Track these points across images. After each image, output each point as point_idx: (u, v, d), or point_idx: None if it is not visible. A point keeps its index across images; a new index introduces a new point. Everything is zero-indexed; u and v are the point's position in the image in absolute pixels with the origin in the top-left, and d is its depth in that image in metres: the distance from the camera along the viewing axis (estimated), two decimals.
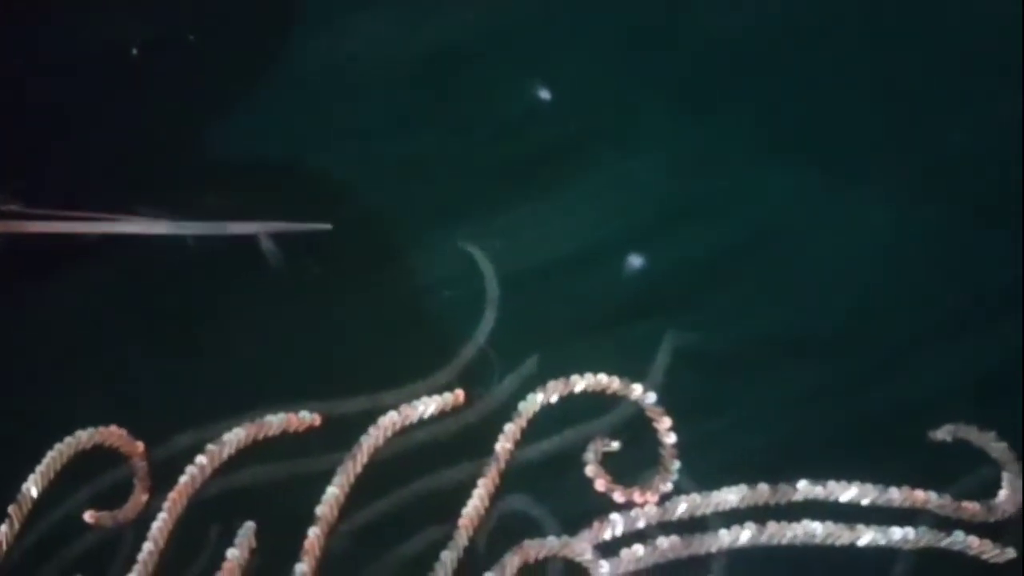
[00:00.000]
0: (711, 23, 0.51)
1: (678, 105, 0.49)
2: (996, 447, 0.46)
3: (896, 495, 0.45)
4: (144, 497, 0.43)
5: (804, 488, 0.45)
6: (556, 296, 0.47)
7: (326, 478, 0.43)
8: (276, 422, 0.44)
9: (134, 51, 0.49)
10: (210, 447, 0.43)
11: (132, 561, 0.42)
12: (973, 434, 0.46)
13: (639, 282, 0.47)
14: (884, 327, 0.47)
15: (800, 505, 0.45)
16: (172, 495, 0.43)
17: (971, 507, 0.45)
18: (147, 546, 0.42)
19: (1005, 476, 0.46)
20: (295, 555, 0.42)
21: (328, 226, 0.46)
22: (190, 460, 0.43)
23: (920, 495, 0.45)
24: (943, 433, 0.46)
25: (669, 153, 0.49)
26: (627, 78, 0.50)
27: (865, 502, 0.45)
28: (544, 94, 0.50)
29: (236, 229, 0.46)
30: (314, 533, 0.43)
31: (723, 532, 0.44)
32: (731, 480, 0.45)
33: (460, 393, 0.45)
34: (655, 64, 0.50)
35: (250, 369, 0.45)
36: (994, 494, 0.45)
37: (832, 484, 0.45)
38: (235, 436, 0.43)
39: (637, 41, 0.50)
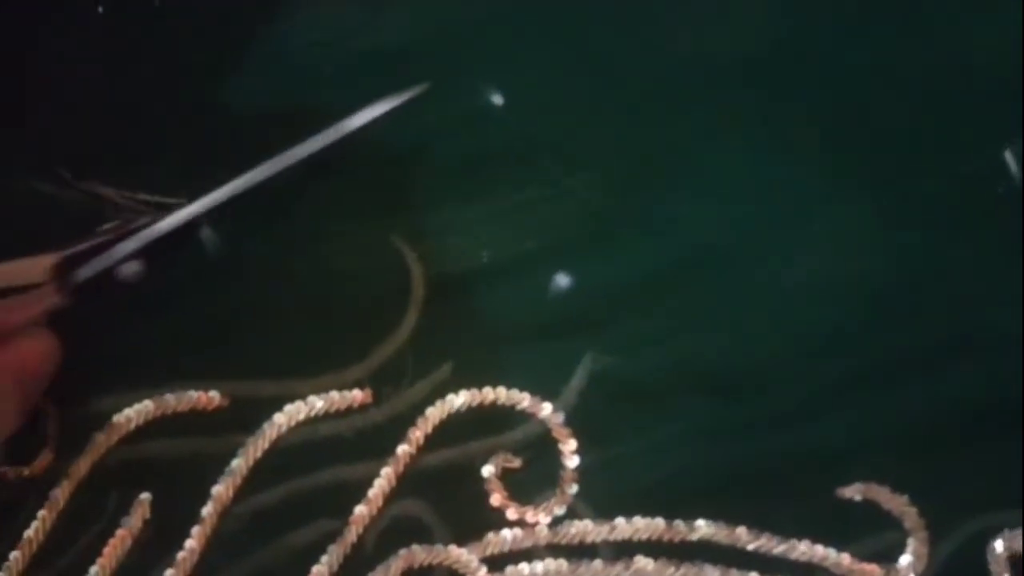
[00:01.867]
0: (669, 44, 0.51)
1: (626, 125, 0.50)
2: (907, 511, 0.46)
3: (797, 547, 0.46)
4: (50, 457, 0.45)
5: (702, 528, 0.46)
6: (479, 304, 0.48)
7: (227, 459, 0.45)
8: (185, 398, 0.46)
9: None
10: (117, 417, 0.45)
11: (32, 519, 0.44)
12: (884, 495, 0.46)
13: (564, 300, 0.48)
14: (807, 371, 0.48)
15: (695, 545, 0.46)
16: (78, 460, 0.45)
17: (870, 569, 0.46)
18: (47, 506, 0.44)
19: (911, 542, 0.46)
20: (186, 531, 0.44)
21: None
22: (100, 427, 0.45)
23: (820, 550, 0.46)
24: (852, 491, 0.47)
25: (610, 173, 0.49)
26: (579, 94, 0.50)
27: (764, 550, 0.46)
28: (497, 99, 0.50)
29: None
30: (207, 511, 0.45)
31: (612, 562, 0.45)
32: (628, 511, 0.46)
33: (368, 392, 0.47)
34: (608, 82, 0.50)
35: (169, 343, 0.46)
36: (896, 559, 0.46)
37: (731, 527, 0.46)
38: (144, 408, 0.46)
39: (595, 58, 0.51)
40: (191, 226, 0.46)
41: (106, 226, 0.46)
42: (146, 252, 0.45)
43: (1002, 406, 0.47)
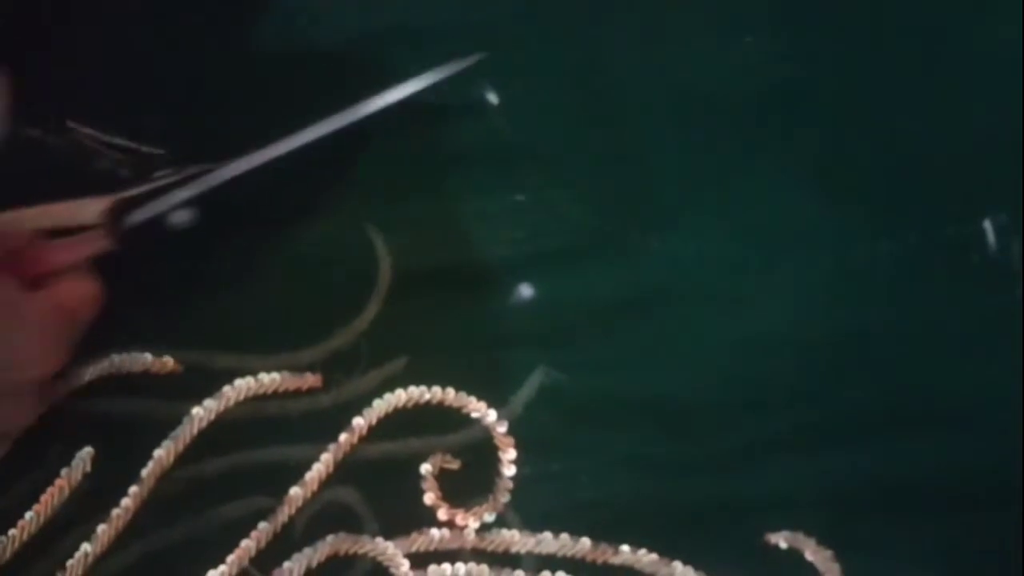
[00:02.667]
0: (668, 78, 0.51)
1: (614, 149, 0.51)
2: (830, 567, 0.47)
3: None
4: None
5: (625, 554, 0.47)
6: (442, 303, 0.49)
7: (173, 425, 0.47)
8: (138, 360, 0.47)
9: None
10: (71, 370, 0.47)
11: None
12: (810, 546, 0.48)
13: (525, 311, 0.49)
14: (751, 417, 0.48)
15: (618, 569, 0.47)
16: None
17: None
18: None
19: None
20: (124, 490, 0.46)
21: None
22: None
23: None
24: (779, 538, 0.48)
25: (592, 193, 0.50)
26: (573, 108, 0.51)
27: None
28: (492, 97, 0.51)
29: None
30: (146, 472, 0.46)
31: (532, 574, 0.47)
32: (556, 527, 0.47)
33: (319, 377, 0.48)
34: (604, 103, 0.51)
35: (131, 307, 0.47)
36: None
37: (655, 558, 0.47)
38: (98, 365, 0.47)
39: (595, 76, 0.51)
40: (243, 178, 0.47)
41: (159, 173, 0.47)
42: (199, 200, 0.47)
43: (937, 479, 0.48)
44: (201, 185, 0.47)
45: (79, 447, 0.46)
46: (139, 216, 0.46)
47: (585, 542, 0.47)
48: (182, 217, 0.47)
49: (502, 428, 0.48)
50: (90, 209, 0.46)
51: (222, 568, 0.46)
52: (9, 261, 0.43)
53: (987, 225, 0.49)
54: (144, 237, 0.46)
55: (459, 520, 0.47)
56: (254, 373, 0.48)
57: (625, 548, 0.47)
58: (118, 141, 0.49)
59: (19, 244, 0.45)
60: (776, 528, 0.47)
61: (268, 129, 0.48)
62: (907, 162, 0.50)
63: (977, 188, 0.50)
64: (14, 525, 0.45)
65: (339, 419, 0.48)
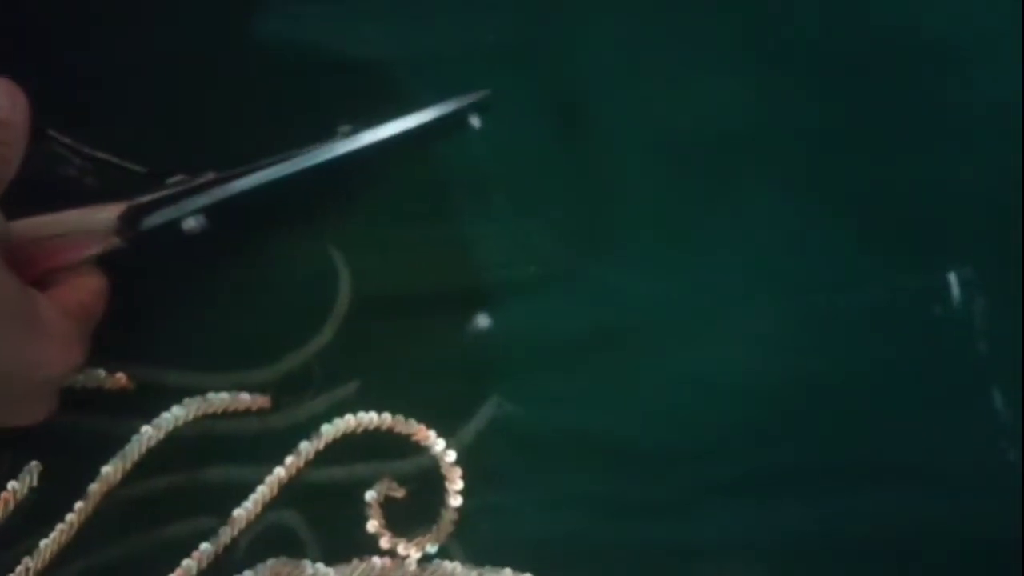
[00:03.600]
0: (638, 105, 0.52)
1: (586, 184, 0.51)
2: None
3: None
4: None
5: None
6: (398, 330, 0.50)
7: (122, 441, 0.48)
8: (92, 376, 0.49)
9: None
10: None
11: None
12: None
13: (482, 341, 0.50)
14: (708, 456, 0.49)
15: None
16: None
17: None
18: None
19: None
20: (70, 505, 0.47)
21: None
22: None
23: None
24: None
25: (559, 225, 0.51)
26: (547, 139, 0.52)
27: None
28: (475, 121, 0.52)
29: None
30: (93, 488, 0.48)
31: None
32: (499, 561, 0.48)
33: (268, 398, 0.49)
34: (580, 138, 0.52)
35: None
36: None
37: None
38: None
39: (570, 107, 0.52)
40: (260, 189, 0.48)
41: (173, 179, 0.49)
42: (213, 209, 0.48)
43: (890, 532, 0.48)
44: (216, 194, 0.48)
45: (27, 460, 0.48)
46: (152, 221, 0.48)
47: None
48: (196, 223, 0.48)
49: (450, 458, 0.49)
50: (103, 215, 0.47)
51: None
52: (19, 263, 0.44)
53: (951, 278, 0.49)
54: (157, 241, 0.48)
55: (401, 549, 0.48)
56: (205, 392, 0.49)
57: None
58: (98, 154, 0.50)
59: (27, 245, 0.46)
60: (724, 574, 0.48)
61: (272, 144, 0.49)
62: (872, 211, 0.50)
63: (943, 241, 0.50)
64: None
65: (288, 441, 0.49)
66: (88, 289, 0.46)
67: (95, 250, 0.47)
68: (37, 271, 0.46)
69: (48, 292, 0.45)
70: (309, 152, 0.49)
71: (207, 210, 0.48)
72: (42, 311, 0.43)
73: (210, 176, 0.48)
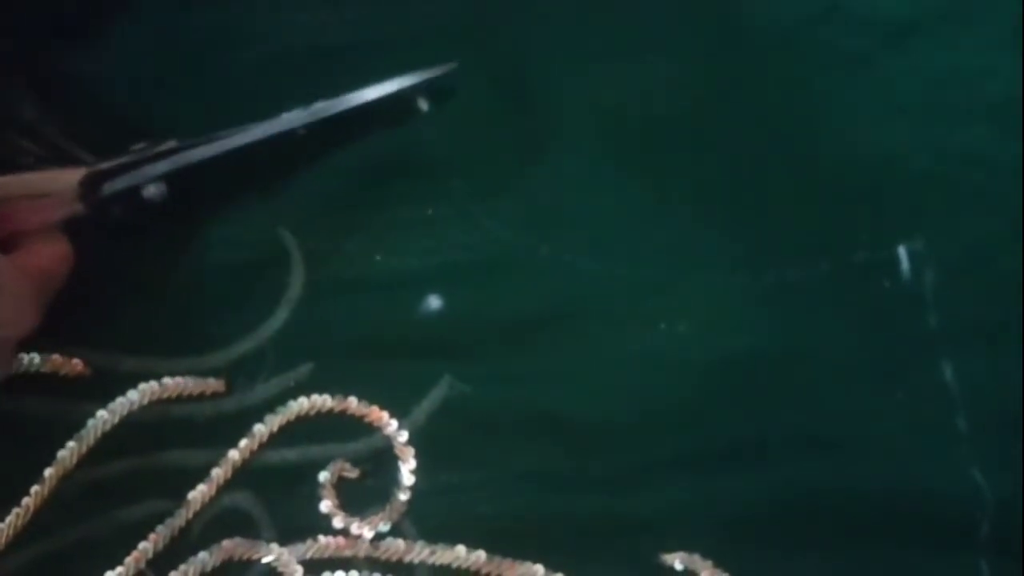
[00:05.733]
0: (586, 87, 0.55)
1: (537, 165, 0.55)
2: None
3: None
4: None
5: (520, 568, 0.51)
6: (351, 313, 0.54)
7: (78, 426, 0.52)
8: (48, 360, 0.52)
9: None
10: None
11: None
12: (706, 568, 0.51)
13: (434, 322, 0.53)
14: (654, 437, 0.52)
15: None
16: None
17: None
18: None
19: None
20: (26, 489, 0.51)
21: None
22: None
23: None
24: (674, 559, 0.51)
25: (511, 208, 0.54)
26: (500, 122, 0.55)
27: None
28: (423, 104, 0.55)
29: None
30: (49, 472, 0.51)
31: None
32: (452, 539, 0.52)
33: (223, 382, 0.53)
34: (526, 114, 0.55)
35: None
36: None
37: (548, 572, 0.51)
38: None
39: (523, 93, 0.56)
40: (220, 157, 0.52)
41: (137, 146, 0.52)
42: (173, 176, 0.52)
43: (838, 505, 0.51)
44: (176, 161, 0.52)
45: None
46: (113, 187, 0.51)
47: (481, 554, 0.52)
48: (157, 191, 0.52)
49: (403, 438, 0.52)
50: (64, 179, 0.51)
51: (119, 569, 0.50)
52: None
53: (901, 251, 0.52)
54: (118, 208, 0.51)
55: (354, 529, 0.52)
56: (159, 377, 0.52)
57: (526, 565, 0.51)
58: (45, 131, 0.53)
59: None
60: (672, 549, 0.51)
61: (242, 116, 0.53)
62: (821, 185, 0.53)
63: (892, 214, 0.52)
64: None
65: (242, 424, 0.52)
66: (50, 254, 0.50)
67: (58, 215, 0.50)
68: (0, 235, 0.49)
69: (10, 256, 0.48)
70: (267, 123, 0.53)
71: (168, 177, 0.51)
72: (1, 274, 0.46)
73: (171, 144, 0.52)
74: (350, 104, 0.53)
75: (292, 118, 0.52)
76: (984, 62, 0.55)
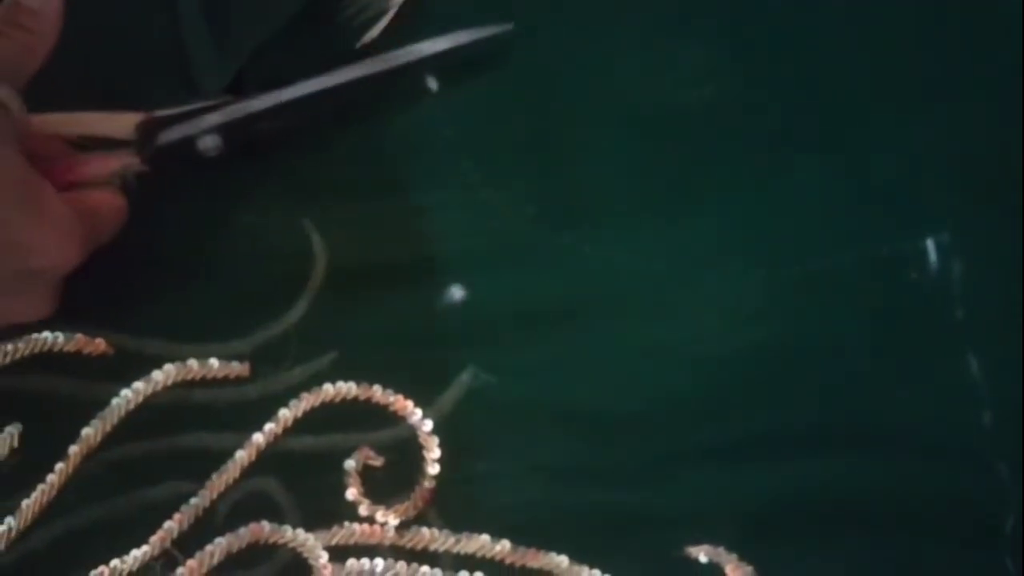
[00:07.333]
0: (609, 75, 0.58)
1: (554, 152, 0.58)
2: None
3: None
4: None
5: (544, 559, 0.53)
6: (374, 301, 0.56)
7: (102, 405, 0.54)
8: (72, 340, 0.54)
9: None
10: (1, 346, 0.54)
11: None
12: (731, 562, 0.53)
13: (457, 311, 0.56)
14: (682, 425, 0.55)
15: (535, 573, 0.54)
16: None
17: None
18: None
19: None
20: (50, 466, 0.53)
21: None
22: None
23: None
24: (699, 551, 0.54)
25: (529, 195, 0.57)
26: (514, 107, 0.58)
27: None
28: (432, 84, 0.58)
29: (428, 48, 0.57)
30: (74, 450, 0.54)
31: (449, 574, 0.53)
32: (476, 528, 0.54)
33: (247, 366, 0.55)
34: (545, 100, 0.58)
35: (67, 286, 0.54)
36: None
37: (572, 563, 0.53)
38: (31, 341, 0.54)
39: (541, 74, 0.58)
40: (276, 110, 0.55)
41: (195, 98, 0.56)
42: (229, 128, 0.55)
43: (863, 499, 0.54)
44: (233, 112, 0.55)
45: (8, 422, 0.54)
46: (169, 136, 0.54)
47: (505, 544, 0.54)
48: (212, 143, 0.55)
49: (427, 427, 0.55)
50: (122, 122, 0.54)
51: (144, 548, 0.52)
52: (40, 163, 0.50)
53: (929, 244, 0.55)
54: (173, 158, 0.54)
55: (380, 516, 0.54)
56: (183, 360, 0.55)
57: (551, 554, 0.53)
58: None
59: (51, 151, 0.53)
60: (697, 542, 0.54)
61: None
62: (849, 177, 0.56)
63: (920, 206, 0.55)
64: None
65: (265, 410, 0.55)
66: (103, 201, 0.53)
67: (115, 167, 0.53)
68: (57, 181, 0.51)
69: (63, 194, 0.51)
70: (323, 77, 0.56)
71: (223, 130, 0.54)
72: (47, 199, 0.49)
73: (227, 98, 0.55)
74: (405, 59, 0.57)
75: (347, 72, 0.56)
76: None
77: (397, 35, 0.57)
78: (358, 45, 0.57)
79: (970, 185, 0.56)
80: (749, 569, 0.54)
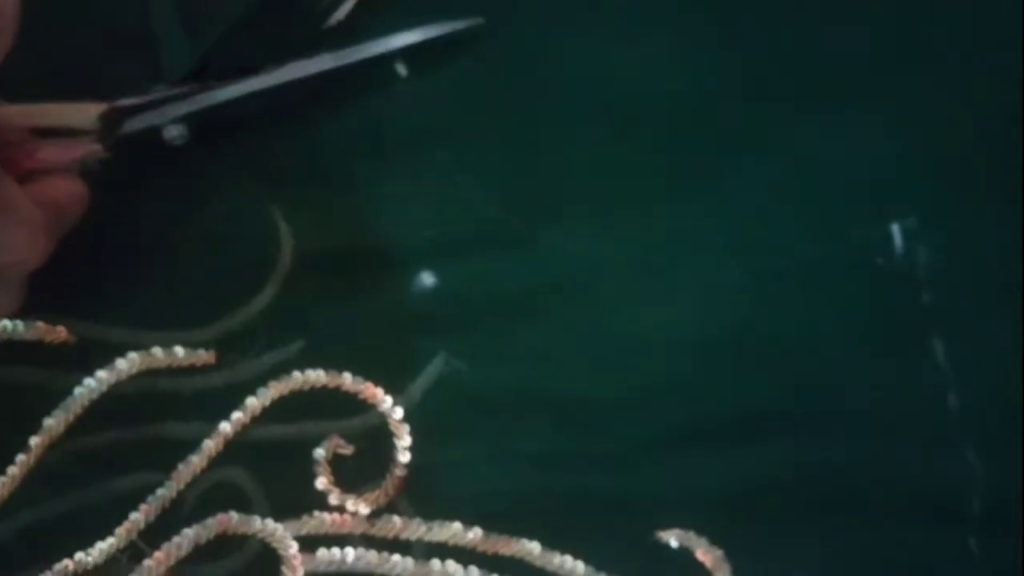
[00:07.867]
0: (582, 63, 0.59)
1: (529, 140, 0.58)
2: (721, 566, 0.54)
3: None
4: None
5: (517, 546, 0.54)
6: (342, 288, 0.56)
7: (64, 395, 0.53)
8: (32, 328, 0.54)
9: None
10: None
11: None
12: (701, 545, 0.54)
13: (428, 298, 0.56)
14: (649, 415, 0.56)
15: (507, 560, 0.54)
16: None
17: None
18: None
19: None
20: (11, 458, 0.53)
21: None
22: None
23: None
24: (670, 536, 0.55)
25: (504, 182, 0.58)
26: (488, 91, 0.59)
27: None
28: (401, 69, 0.58)
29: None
30: (35, 442, 0.53)
31: (422, 562, 0.54)
32: (448, 515, 0.54)
33: (213, 354, 0.55)
34: (518, 86, 0.59)
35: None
36: None
37: (545, 550, 0.54)
38: None
39: (512, 60, 0.59)
40: (243, 100, 0.55)
41: (159, 86, 0.55)
42: (194, 117, 0.55)
43: (833, 483, 0.55)
44: (199, 102, 0.55)
45: None
46: (133, 125, 0.54)
47: (477, 531, 0.54)
48: (176, 132, 0.55)
49: (398, 415, 0.55)
50: (86, 112, 0.53)
51: (110, 540, 0.52)
52: (0, 151, 0.50)
53: (894, 229, 0.56)
54: (137, 147, 0.54)
55: (350, 505, 0.54)
56: (148, 348, 0.55)
57: (522, 541, 0.54)
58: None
59: (10, 139, 0.52)
60: (668, 526, 0.55)
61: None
62: (815, 162, 0.57)
63: (886, 191, 0.57)
64: None
65: (232, 399, 0.55)
66: (65, 190, 0.52)
67: (77, 154, 0.53)
68: (17, 169, 0.51)
69: (25, 187, 0.50)
70: (292, 66, 0.56)
71: (189, 120, 0.54)
72: (11, 194, 0.48)
73: (194, 86, 0.55)
74: (376, 51, 0.57)
75: (318, 62, 0.56)
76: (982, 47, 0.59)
77: (368, 27, 0.57)
78: (324, 27, 0.57)
79: (935, 170, 0.57)
80: (719, 553, 0.55)
